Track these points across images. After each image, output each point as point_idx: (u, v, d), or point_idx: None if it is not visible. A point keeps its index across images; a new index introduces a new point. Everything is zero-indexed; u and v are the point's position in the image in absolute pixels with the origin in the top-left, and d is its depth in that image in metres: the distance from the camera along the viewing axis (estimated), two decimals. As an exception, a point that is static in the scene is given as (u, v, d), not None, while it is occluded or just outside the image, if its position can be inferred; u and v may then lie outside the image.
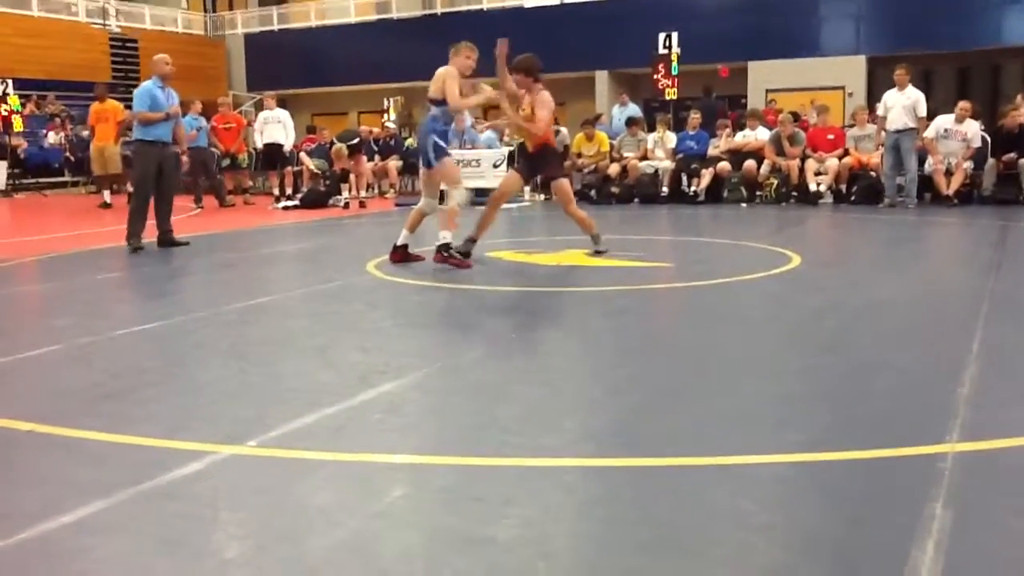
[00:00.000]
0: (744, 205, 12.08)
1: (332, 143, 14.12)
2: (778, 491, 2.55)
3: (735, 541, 2.22)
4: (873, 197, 11.37)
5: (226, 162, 14.77)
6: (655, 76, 14.57)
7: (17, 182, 17.97)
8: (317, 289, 6.33)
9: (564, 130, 14.01)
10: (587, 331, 4.88)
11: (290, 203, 13.72)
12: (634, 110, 15.55)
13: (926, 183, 11.46)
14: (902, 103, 10.98)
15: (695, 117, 13.13)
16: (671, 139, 13.22)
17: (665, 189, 12.81)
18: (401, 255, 7.06)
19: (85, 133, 16.72)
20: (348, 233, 10.46)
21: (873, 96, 16.19)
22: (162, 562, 2.17)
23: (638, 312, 5.43)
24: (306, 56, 25.28)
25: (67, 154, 18.56)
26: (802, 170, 11.94)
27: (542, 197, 13.67)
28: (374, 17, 25.83)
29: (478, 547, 2.20)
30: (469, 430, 3.13)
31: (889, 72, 11.97)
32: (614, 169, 13.07)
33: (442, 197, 7.07)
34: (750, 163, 12.30)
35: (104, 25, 24.29)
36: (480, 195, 10.56)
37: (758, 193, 12.27)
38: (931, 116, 11.36)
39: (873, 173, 11.72)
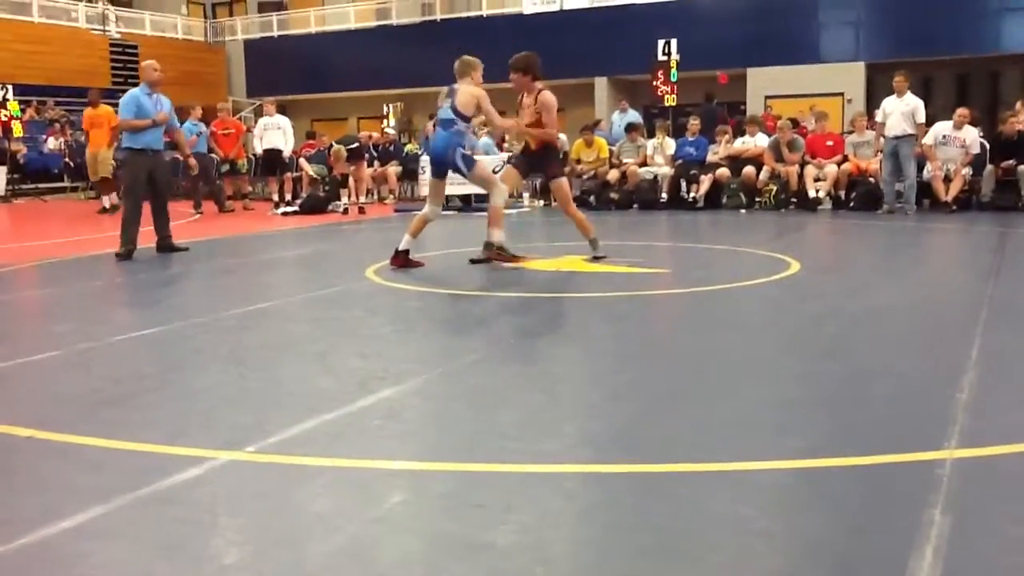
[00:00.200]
0: (743, 211, 12.09)
1: (331, 147, 14.13)
2: (777, 497, 2.55)
3: (735, 547, 2.22)
4: (872, 203, 11.39)
5: (225, 168, 14.77)
6: (654, 82, 14.60)
7: (17, 187, 17.97)
8: (317, 295, 6.34)
9: (563, 136, 14.02)
10: (586, 337, 4.88)
11: (289, 209, 13.74)
12: (634, 116, 15.57)
13: (925, 189, 11.48)
14: (901, 109, 11.01)
15: (694, 123, 13.17)
16: (670, 145, 13.25)
17: (664, 195, 12.83)
18: (402, 260, 7.08)
19: (84, 139, 16.73)
20: (347, 239, 10.46)
21: (872, 103, 16.24)
22: (161, 567, 2.17)
23: (637, 318, 5.43)
24: (306, 62, 25.31)
25: (66, 160, 18.59)
26: (801, 176, 11.96)
27: (541, 203, 13.70)
28: (374, 23, 25.88)
29: (477, 553, 2.20)
30: (468, 436, 3.13)
31: (888, 79, 12.01)
32: (613, 175, 13.09)
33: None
34: (749, 169, 12.32)
35: (104, 31, 24.31)
36: (479, 201, 10.58)
37: (757, 199, 12.28)
38: (930, 123, 11.39)
39: (872, 179, 11.74)
